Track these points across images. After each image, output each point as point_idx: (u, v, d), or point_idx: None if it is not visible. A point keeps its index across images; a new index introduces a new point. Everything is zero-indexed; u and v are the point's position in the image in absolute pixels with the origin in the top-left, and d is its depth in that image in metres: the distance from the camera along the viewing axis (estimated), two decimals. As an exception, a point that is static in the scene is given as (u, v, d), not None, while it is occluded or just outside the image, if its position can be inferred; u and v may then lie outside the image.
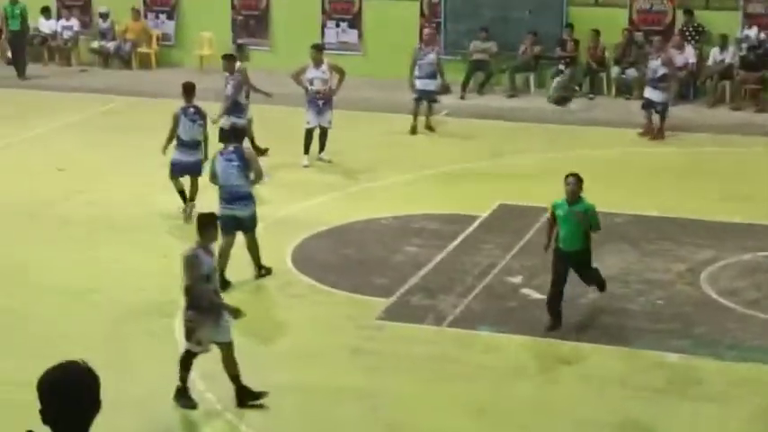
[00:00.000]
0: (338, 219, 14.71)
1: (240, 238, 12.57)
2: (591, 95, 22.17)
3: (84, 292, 12.28)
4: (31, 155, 17.86)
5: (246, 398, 9.80)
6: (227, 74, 16.65)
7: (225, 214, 12.08)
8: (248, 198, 12.43)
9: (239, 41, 21.67)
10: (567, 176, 11.56)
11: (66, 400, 4.44)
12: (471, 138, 18.95)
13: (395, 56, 21.86)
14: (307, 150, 17.24)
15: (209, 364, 9.87)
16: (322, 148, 17.34)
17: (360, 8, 24.17)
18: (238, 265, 12.49)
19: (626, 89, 22.17)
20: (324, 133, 17.32)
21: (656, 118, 19.16)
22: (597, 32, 22.08)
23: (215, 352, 9.78)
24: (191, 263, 9.72)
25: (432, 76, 19.15)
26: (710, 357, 10.94)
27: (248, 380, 9.80)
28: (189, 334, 9.81)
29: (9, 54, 25.38)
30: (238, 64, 16.78)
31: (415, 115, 19.15)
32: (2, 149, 18.08)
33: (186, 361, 9.83)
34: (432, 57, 19.22)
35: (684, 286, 12.63)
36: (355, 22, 24.22)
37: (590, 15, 22.67)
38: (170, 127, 14.67)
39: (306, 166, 17.14)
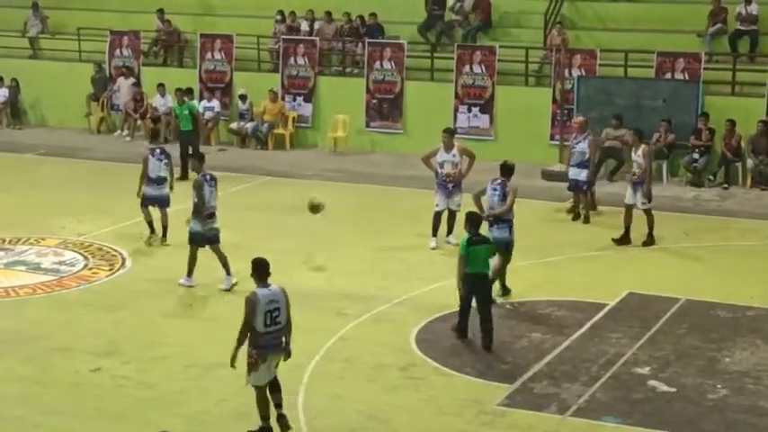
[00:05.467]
0: (464, 302, 14.72)
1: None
2: (725, 185, 21.81)
3: (211, 367, 12.50)
4: (169, 229, 18.37)
5: None
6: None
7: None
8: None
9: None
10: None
11: None
12: (601, 225, 18.77)
13: (526, 141, 21.94)
14: (435, 233, 17.37)
15: None
16: (450, 230, 17.42)
17: (492, 94, 24.39)
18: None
19: (762, 180, 21.76)
20: (452, 216, 17.42)
21: None
22: (733, 123, 21.80)
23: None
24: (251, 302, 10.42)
25: (582, 165, 18.88)
26: None
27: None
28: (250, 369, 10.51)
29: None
30: None
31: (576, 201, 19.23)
32: (144, 224, 18.68)
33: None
34: (583, 145, 18.98)
35: (820, 384, 12.21)
36: (487, 108, 24.43)
37: (726, 105, 22.41)
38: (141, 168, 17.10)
39: (433, 249, 17.25)
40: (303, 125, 26.19)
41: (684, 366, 12.62)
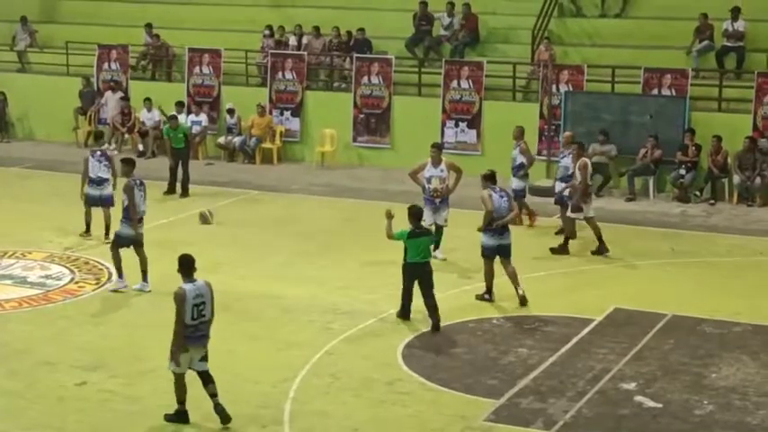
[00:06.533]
0: (450, 317, 14.72)
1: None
2: (712, 201, 21.88)
3: (197, 381, 12.44)
4: (155, 244, 18.33)
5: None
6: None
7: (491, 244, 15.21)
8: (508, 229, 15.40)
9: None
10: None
11: None
12: (588, 240, 18.80)
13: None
14: (422, 248, 17.34)
15: None
16: (437, 245, 17.41)
17: (479, 109, 24.45)
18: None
19: (748, 196, 21.85)
20: (439, 231, 17.42)
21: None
22: (719, 138, 21.88)
23: None
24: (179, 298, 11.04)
25: (564, 179, 18.76)
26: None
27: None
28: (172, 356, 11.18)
29: (140, 147, 26.45)
30: None
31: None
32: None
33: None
34: (567, 160, 18.81)
35: (806, 400, 12.23)
36: (474, 123, 24.47)
37: (712, 121, 22.49)
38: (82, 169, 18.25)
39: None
40: (291, 139, 26.20)
41: (671, 382, 12.63)
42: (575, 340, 13.93)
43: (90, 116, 27.86)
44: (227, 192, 22.66)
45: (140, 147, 26.52)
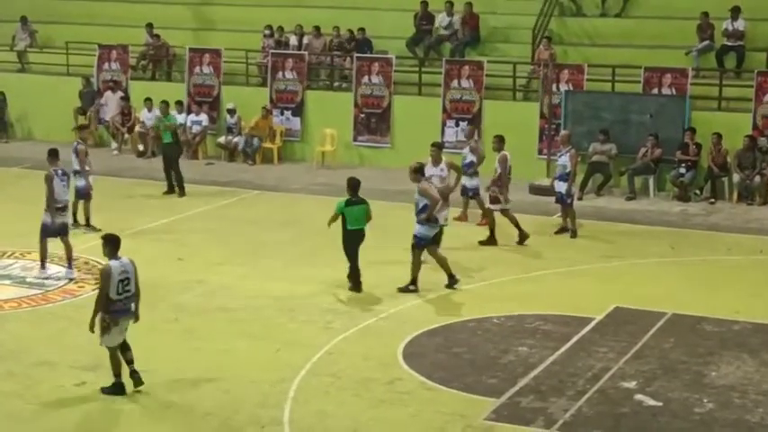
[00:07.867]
0: (450, 316, 14.71)
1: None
2: (712, 200, 21.87)
3: (196, 381, 12.46)
4: (155, 243, 18.35)
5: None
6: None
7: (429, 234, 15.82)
8: None
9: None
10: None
11: None
12: (588, 239, 18.80)
13: (514, 155, 21.96)
14: (422, 247, 17.34)
15: None
16: (438, 244, 17.38)
17: (480, 108, 24.43)
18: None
19: (748, 195, 21.83)
20: (439, 230, 17.38)
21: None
22: (719, 136, 21.86)
23: None
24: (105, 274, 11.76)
25: (562, 178, 18.90)
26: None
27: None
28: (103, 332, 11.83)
29: (140, 147, 26.44)
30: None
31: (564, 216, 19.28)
32: (129, 237, 18.61)
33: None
34: (564, 159, 18.96)
35: (806, 399, 12.22)
36: (475, 122, 24.44)
37: (712, 120, 22.48)
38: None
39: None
40: (291, 139, 26.20)
41: (671, 380, 12.62)
42: (575, 339, 13.92)
43: (90, 116, 27.84)
44: (228, 192, 22.66)
45: (140, 147, 26.52)
